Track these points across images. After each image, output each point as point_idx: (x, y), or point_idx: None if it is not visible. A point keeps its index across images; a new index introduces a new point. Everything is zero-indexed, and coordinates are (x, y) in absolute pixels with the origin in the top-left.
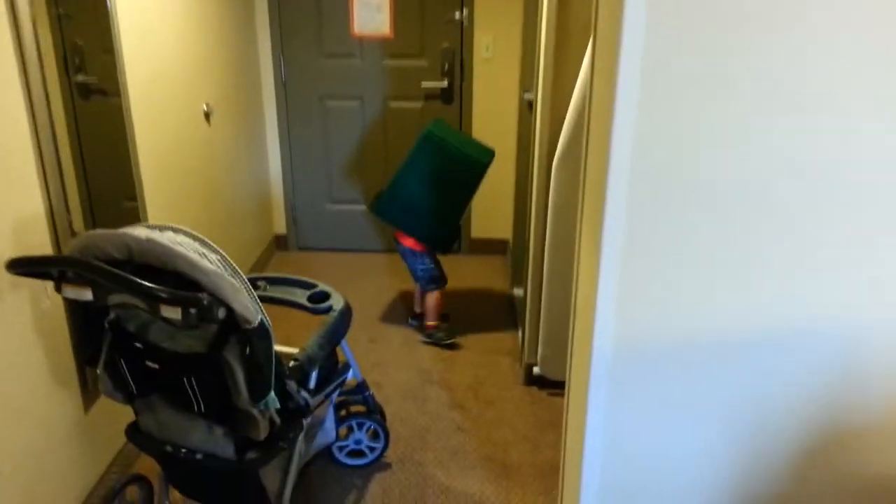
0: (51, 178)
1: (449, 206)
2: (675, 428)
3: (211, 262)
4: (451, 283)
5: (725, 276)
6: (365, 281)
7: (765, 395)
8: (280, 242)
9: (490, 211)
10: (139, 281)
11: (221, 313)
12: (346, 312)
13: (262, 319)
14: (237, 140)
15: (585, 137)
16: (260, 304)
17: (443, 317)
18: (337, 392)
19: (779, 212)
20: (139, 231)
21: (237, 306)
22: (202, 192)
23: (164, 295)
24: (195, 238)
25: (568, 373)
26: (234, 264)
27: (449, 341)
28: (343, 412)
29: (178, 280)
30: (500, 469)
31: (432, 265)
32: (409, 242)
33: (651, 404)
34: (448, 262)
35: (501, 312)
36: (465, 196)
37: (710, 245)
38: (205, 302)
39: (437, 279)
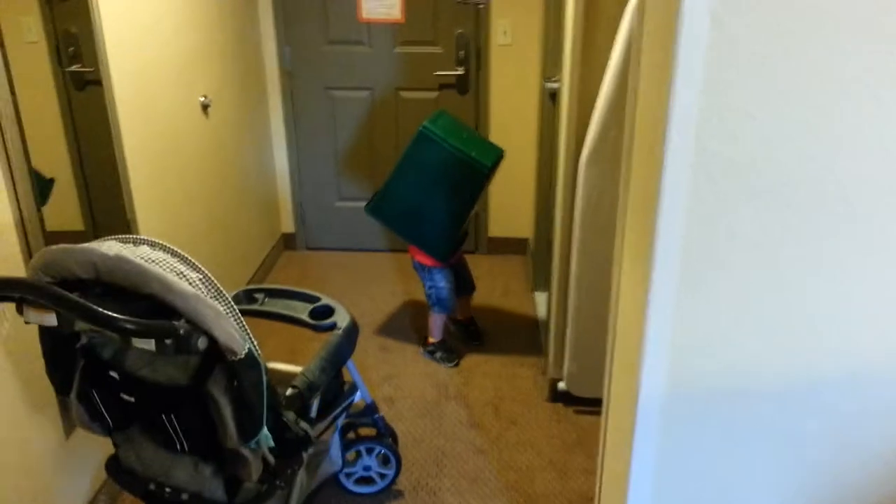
0: (20, 181)
1: (447, 212)
2: (742, 488)
3: (190, 283)
4: None
5: (803, 304)
6: (376, 283)
7: (850, 447)
8: (288, 242)
9: (509, 209)
10: (102, 311)
11: (202, 343)
12: (352, 330)
13: (249, 349)
14: (239, 134)
15: (628, 131)
16: (248, 331)
17: (472, 328)
18: (343, 416)
19: (871, 232)
20: (108, 246)
21: (220, 335)
22: (201, 190)
23: (131, 327)
24: (174, 254)
25: (604, 418)
26: (219, 285)
27: (447, 365)
28: (351, 435)
29: (154, 303)
30: (524, 499)
31: (443, 284)
32: (419, 257)
33: (711, 459)
34: None
35: (522, 319)
36: (466, 202)
37: (787, 266)
38: (181, 331)
39: (443, 302)
